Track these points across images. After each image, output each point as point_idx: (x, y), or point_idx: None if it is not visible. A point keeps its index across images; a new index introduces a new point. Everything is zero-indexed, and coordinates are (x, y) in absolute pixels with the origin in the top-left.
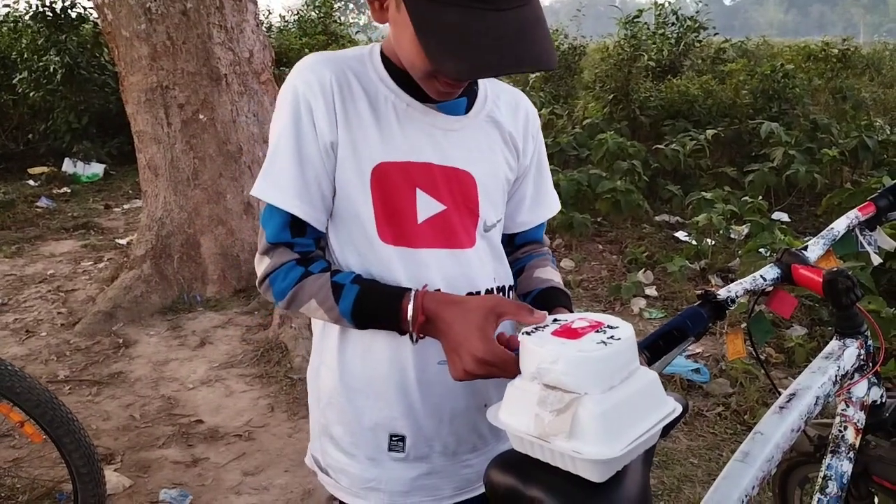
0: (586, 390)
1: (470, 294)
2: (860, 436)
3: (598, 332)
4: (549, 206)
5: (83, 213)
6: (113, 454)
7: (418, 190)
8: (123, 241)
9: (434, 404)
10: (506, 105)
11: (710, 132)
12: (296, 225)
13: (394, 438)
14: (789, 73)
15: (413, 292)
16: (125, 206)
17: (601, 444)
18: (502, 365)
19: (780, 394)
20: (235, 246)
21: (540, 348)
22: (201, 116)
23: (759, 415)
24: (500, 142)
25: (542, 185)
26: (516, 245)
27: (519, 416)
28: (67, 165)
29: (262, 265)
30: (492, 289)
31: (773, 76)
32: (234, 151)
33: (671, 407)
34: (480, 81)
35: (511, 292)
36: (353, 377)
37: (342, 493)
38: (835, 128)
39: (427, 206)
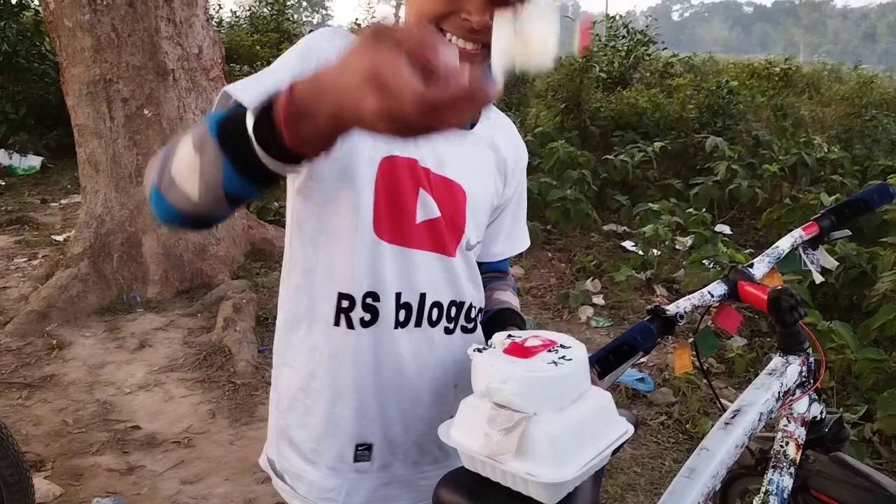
0: (536, 410)
1: (453, 302)
2: (801, 451)
3: (549, 351)
4: (522, 240)
5: (18, 207)
6: (43, 461)
7: (421, 190)
8: (60, 238)
9: (403, 411)
10: (504, 133)
11: (657, 144)
12: None
13: (360, 448)
14: (734, 90)
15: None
16: (63, 202)
17: (554, 466)
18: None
19: (722, 406)
20: (179, 246)
21: (490, 367)
22: (146, 112)
23: (700, 424)
24: (494, 166)
25: (519, 220)
26: (483, 272)
27: (470, 434)
28: (3, 157)
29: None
30: (472, 304)
31: (718, 92)
32: None
33: (623, 428)
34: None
35: (481, 315)
36: (320, 380)
37: (297, 500)
38: (776, 144)
39: (426, 209)
